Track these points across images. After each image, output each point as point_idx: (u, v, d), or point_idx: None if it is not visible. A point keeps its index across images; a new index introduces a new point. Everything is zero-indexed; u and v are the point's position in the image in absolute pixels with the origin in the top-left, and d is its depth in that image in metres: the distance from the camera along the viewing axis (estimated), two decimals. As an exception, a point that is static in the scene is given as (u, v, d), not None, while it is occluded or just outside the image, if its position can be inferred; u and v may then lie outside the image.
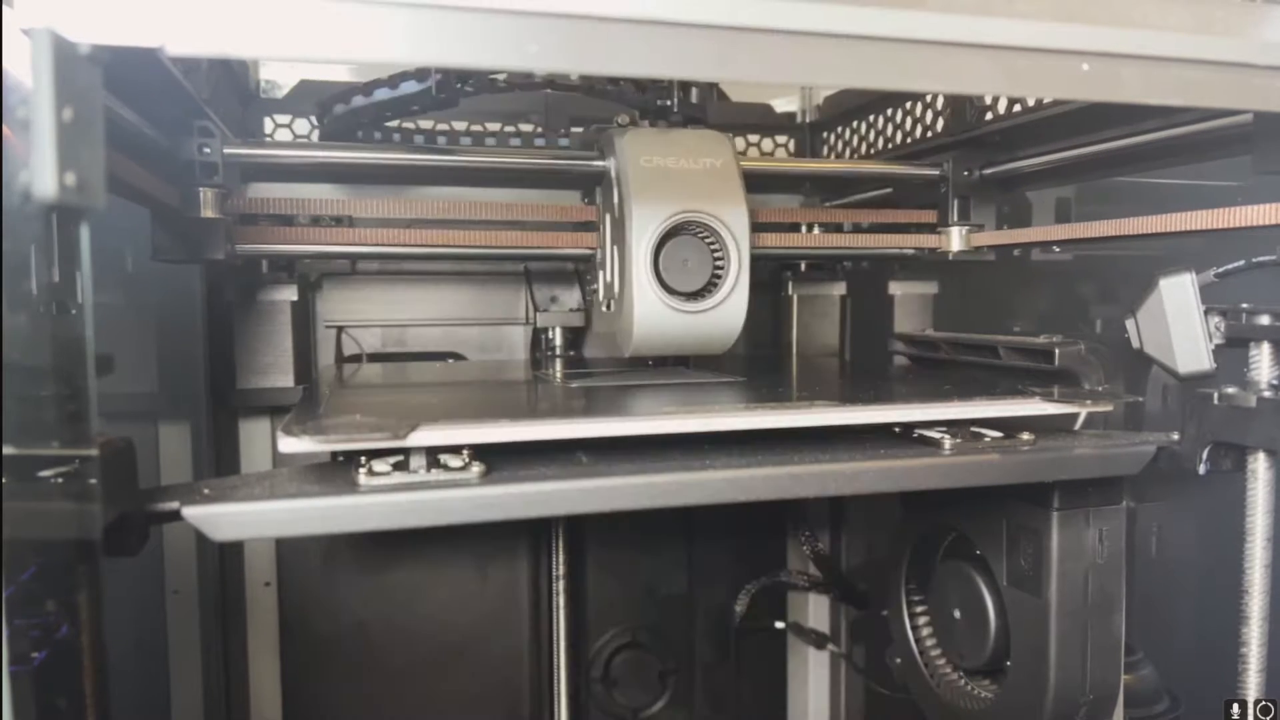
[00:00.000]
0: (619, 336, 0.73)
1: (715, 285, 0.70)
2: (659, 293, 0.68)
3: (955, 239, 0.84)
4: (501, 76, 0.80)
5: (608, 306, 0.74)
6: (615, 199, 0.71)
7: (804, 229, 0.95)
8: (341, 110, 0.79)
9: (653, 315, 0.69)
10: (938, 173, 0.84)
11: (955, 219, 0.84)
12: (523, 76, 0.82)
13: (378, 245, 0.73)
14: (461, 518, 0.44)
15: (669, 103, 0.84)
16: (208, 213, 0.66)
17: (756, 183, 1.00)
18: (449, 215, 0.74)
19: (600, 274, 0.76)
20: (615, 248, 0.71)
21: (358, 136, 0.85)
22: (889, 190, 0.97)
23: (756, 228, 0.76)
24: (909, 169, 0.87)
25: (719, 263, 0.70)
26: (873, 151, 0.99)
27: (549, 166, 0.78)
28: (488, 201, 0.76)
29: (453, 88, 0.76)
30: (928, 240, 0.86)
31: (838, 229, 0.96)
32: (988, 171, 0.83)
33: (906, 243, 0.87)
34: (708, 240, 0.70)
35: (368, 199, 0.81)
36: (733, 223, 0.69)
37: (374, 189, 0.96)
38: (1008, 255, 0.87)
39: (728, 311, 0.70)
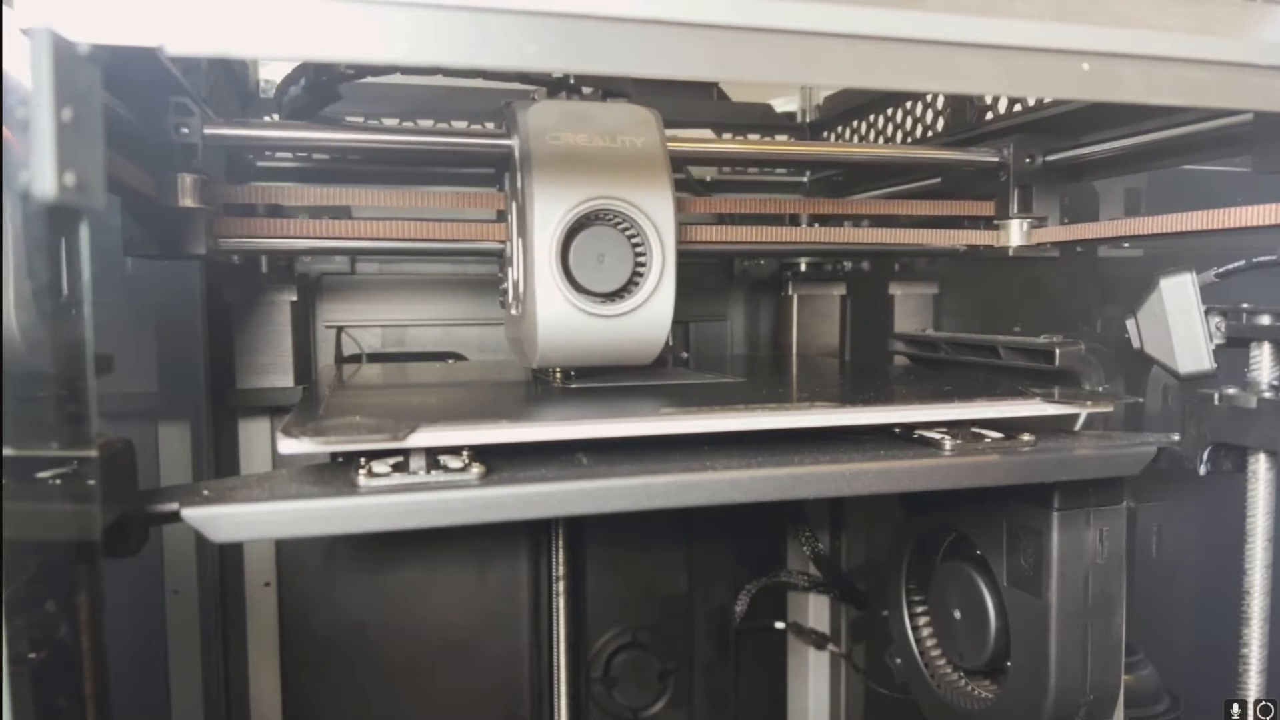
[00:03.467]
0: (524, 344, 0.63)
1: (636, 284, 0.60)
2: (567, 292, 0.58)
3: (1015, 234, 0.77)
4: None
5: (516, 309, 0.64)
6: (519, 183, 0.61)
7: (822, 225, 0.91)
8: (295, 91, 0.72)
9: (560, 319, 0.59)
10: (997, 159, 0.76)
11: (1015, 211, 0.76)
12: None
13: (369, 240, 0.69)
14: (461, 519, 0.44)
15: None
16: (186, 201, 0.60)
17: (790, 166, 1.02)
18: (374, 204, 0.70)
19: (509, 271, 0.66)
20: (520, 240, 0.61)
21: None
22: (918, 182, 0.90)
23: (812, 220, 0.69)
24: (964, 154, 0.79)
25: (640, 258, 0.60)
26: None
27: (450, 146, 0.68)
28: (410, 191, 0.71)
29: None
30: (982, 236, 0.78)
31: (888, 223, 0.87)
32: (1051, 158, 0.75)
33: (958, 239, 0.80)
34: (627, 232, 0.60)
35: (356, 191, 0.78)
36: (656, 211, 0.60)
37: (370, 188, 0.96)
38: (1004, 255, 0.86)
39: (651, 315, 0.60)
